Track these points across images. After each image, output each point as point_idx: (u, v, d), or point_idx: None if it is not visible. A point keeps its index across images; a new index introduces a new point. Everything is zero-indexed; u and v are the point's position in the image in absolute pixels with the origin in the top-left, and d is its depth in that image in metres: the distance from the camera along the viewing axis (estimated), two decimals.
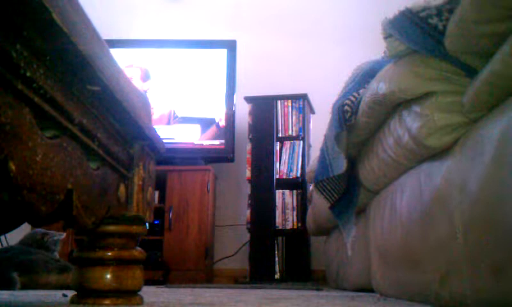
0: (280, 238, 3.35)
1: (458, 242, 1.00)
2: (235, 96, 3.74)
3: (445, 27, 1.00)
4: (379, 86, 1.33)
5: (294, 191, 3.39)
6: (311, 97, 3.62)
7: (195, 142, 3.70)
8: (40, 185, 0.65)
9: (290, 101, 3.52)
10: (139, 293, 1.11)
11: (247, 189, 3.49)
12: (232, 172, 3.91)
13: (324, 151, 1.86)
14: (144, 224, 1.14)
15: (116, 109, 0.91)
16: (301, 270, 3.30)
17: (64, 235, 2.50)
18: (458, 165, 1.02)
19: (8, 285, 1.92)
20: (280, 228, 3.33)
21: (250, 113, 3.52)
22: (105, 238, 1.06)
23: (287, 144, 3.47)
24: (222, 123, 3.70)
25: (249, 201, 3.39)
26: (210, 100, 3.79)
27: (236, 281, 3.57)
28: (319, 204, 2.43)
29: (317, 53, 4.08)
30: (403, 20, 1.11)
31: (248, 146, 3.48)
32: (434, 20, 1.03)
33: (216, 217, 3.83)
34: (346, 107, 1.62)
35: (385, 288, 1.62)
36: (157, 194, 3.49)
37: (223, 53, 3.83)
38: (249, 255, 3.30)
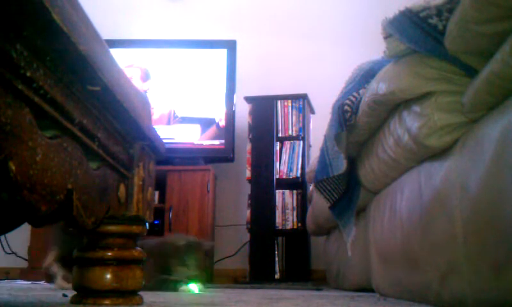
0: (280, 238, 3.35)
1: (458, 241, 1.00)
2: (235, 96, 3.74)
3: (445, 27, 1.00)
4: (379, 86, 1.33)
5: (294, 191, 3.39)
6: (311, 97, 3.62)
7: (195, 142, 3.70)
8: (40, 185, 0.65)
9: (290, 101, 3.52)
10: (139, 293, 1.11)
11: (247, 189, 3.49)
12: (232, 172, 3.91)
13: (324, 151, 1.86)
14: (144, 224, 1.14)
15: (116, 109, 0.91)
16: (301, 270, 3.30)
17: (213, 243, 2.46)
18: (458, 165, 1.02)
19: None
20: (280, 228, 3.32)
21: (250, 113, 3.52)
22: (105, 238, 1.06)
23: (287, 144, 3.47)
24: (222, 123, 3.70)
25: (249, 201, 3.39)
26: (210, 100, 3.79)
27: (236, 281, 3.57)
28: (319, 204, 2.43)
29: (317, 53, 4.08)
30: (403, 20, 1.11)
31: (248, 146, 3.48)
32: (434, 20, 1.03)
33: (216, 217, 3.83)
34: (346, 107, 1.62)
35: (385, 288, 1.62)
36: (157, 194, 3.49)
37: (223, 53, 3.83)
38: (249, 255, 3.30)
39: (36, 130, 0.64)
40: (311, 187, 2.96)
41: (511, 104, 0.85)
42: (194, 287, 2.02)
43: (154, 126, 1.26)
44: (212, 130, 3.71)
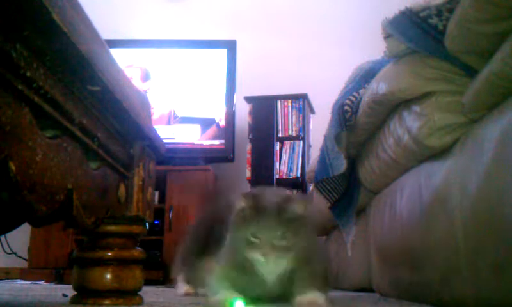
0: None
1: (458, 241, 1.00)
2: (235, 96, 3.74)
3: (445, 26, 1.00)
4: (379, 86, 1.32)
5: (294, 191, 3.39)
6: (311, 97, 3.62)
7: (195, 142, 3.70)
8: (40, 185, 0.65)
9: (290, 101, 3.52)
10: (139, 293, 1.11)
11: (247, 189, 3.48)
12: (232, 172, 3.90)
13: (324, 151, 1.86)
14: (144, 224, 1.14)
15: (116, 109, 0.91)
16: None
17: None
18: (458, 165, 1.02)
19: None
20: None
21: (250, 113, 3.52)
22: (105, 238, 1.06)
23: (287, 144, 3.47)
24: (222, 123, 3.70)
25: None
26: (210, 100, 3.79)
27: None
28: (319, 204, 2.43)
29: (317, 53, 4.08)
30: (403, 19, 1.11)
31: (248, 146, 3.48)
32: (434, 20, 1.03)
33: None
34: (346, 107, 1.62)
35: (385, 288, 1.62)
36: (157, 194, 3.49)
37: (223, 53, 3.82)
38: None
39: (36, 130, 0.64)
40: (311, 187, 2.96)
41: (511, 104, 0.85)
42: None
43: (154, 126, 1.26)
44: (212, 130, 3.71)
